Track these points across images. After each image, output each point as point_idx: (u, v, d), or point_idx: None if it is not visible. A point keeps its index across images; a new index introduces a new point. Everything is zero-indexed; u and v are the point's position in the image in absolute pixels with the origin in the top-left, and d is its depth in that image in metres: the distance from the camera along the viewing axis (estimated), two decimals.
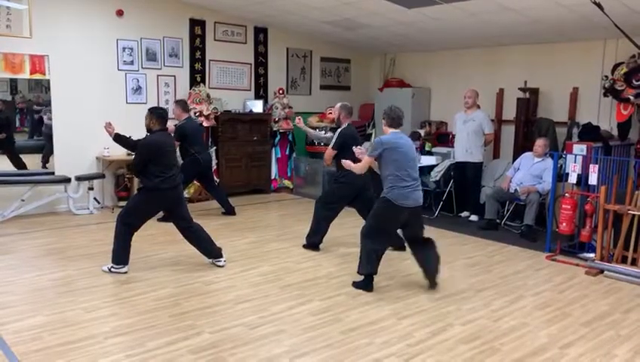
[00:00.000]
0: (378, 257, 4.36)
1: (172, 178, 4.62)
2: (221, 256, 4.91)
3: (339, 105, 5.53)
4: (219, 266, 4.86)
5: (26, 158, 6.95)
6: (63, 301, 4.01)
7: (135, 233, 4.67)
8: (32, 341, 3.36)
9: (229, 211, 7.02)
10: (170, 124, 6.03)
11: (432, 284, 4.46)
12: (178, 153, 6.10)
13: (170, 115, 6.41)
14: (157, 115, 4.71)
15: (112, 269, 4.61)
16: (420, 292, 4.38)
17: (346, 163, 4.60)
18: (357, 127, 9.43)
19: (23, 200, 6.41)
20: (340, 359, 3.23)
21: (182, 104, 6.77)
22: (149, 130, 4.73)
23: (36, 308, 3.88)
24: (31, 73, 6.57)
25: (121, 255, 4.60)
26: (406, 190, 4.22)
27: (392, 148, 4.26)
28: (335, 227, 6.26)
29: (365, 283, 4.38)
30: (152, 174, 4.53)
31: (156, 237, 5.63)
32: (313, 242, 5.53)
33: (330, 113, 8.36)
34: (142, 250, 5.13)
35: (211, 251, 4.88)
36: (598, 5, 4.97)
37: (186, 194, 7.55)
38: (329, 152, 5.40)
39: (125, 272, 4.62)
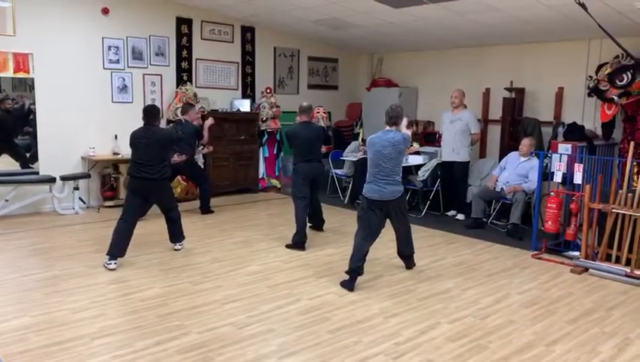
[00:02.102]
0: (358, 251, 4.45)
1: (138, 167, 4.90)
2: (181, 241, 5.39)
3: None
4: (175, 249, 5.32)
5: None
6: (49, 301, 3.97)
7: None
8: (18, 342, 3.32)
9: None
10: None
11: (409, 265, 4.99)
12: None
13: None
14: (142, 110, 5.14)
15: (106, 264, 4.70)
16: (408, 291, 4.40)
17: None
18: (344, 126, 9.51)
19: (6, 201, 6.33)
20: (328, 358, 3.23)
21: (188, 107, 7.06)
22: None
23: (22, 308, 3.84)
24: (15, 71, 6.47)
25: (112, 247, 4.74)
26: (374, 184, 4.52)
27: (369, 146, 4.61)
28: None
29: (347, 281, 4.42)
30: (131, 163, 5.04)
31: (143, 237, 5.59)
32: (296, 241, 5.53)
33: (318, 112, 8.40)
34: (128, 250, 5.08)
35: (176, 237, 5.36)
36: (582, 6, 5.02)
37: None
38: None
39: (113, 269, 4.64)
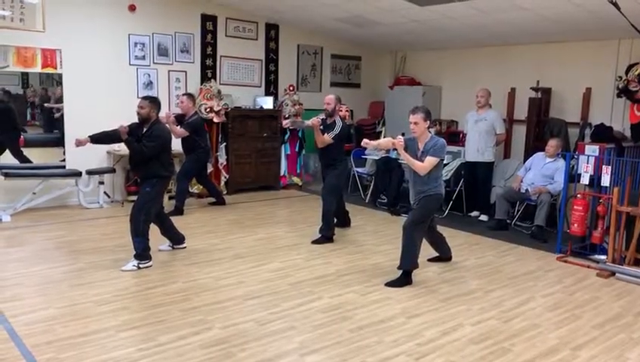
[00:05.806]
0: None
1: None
2: (183, 242, 5.26)
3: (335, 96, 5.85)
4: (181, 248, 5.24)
5: (41, 152, 6.94)
6: (74, 294, 4.03)
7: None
8: (44, 333, 3.38)
9: (222, 201, 7.27)
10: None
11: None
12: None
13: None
14: (158, 104, 4.85)
15: (141, 265, 4.62)
16: (430, 291, 4.37)
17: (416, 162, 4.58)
18: (367, 124, 9.47)
19: (34, 194, 6.45)
20: (349, 357, 3.22)
21: (193, 98, 6.99)
22: (147, 119, 4.74)
23: (48, 300, 3.91)
24: (43, 67, 6.59)
25: (148, 249, 4.70)
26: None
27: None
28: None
29: (406, 279, 4.48)
30: (165, 162, 4.76)
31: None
32: (329, 235, 5.67)
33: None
34: (151, 245, 5.13)
35: (173, 237, 5.20)
36: (615, 4, 4.92)
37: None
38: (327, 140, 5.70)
39: (151, 265, 4.68)
